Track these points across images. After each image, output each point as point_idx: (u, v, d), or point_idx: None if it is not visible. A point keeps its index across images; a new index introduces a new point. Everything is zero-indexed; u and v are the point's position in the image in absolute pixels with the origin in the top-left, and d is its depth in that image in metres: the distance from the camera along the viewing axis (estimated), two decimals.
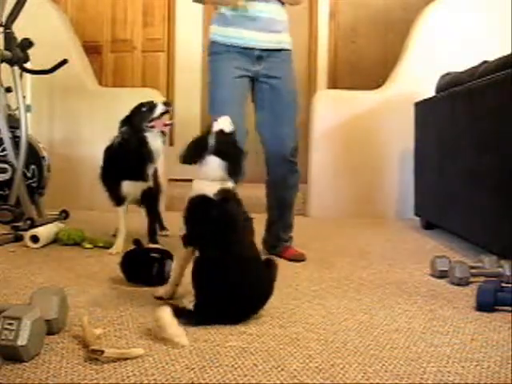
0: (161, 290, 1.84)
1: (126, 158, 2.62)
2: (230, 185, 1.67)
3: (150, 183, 2.70)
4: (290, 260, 2.54)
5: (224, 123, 1.71)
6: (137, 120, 2.62)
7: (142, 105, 2.67)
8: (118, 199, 2.71)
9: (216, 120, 1.73)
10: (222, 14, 2.51)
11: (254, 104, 2.64)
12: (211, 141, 1.67)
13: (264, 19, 2.48)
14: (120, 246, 2.62)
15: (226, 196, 1.63)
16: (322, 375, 1.25)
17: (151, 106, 2.64)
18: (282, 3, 2.54)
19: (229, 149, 1.67)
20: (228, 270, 1.55)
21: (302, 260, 2.55)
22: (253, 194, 2.62)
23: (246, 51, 2.50)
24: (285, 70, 2.58)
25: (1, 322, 1.27)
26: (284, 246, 2.63)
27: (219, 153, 1.65)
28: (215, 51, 2.55)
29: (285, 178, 2.59)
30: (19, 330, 1.25)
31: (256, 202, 2.78)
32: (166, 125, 2.65)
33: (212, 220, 1.61)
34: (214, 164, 1.64)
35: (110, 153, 2.73)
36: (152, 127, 2.62)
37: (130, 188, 2.66)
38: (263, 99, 2.58)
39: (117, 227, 2.74)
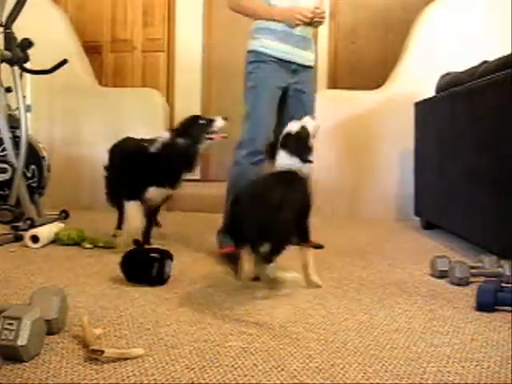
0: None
1: (169, 166, 2.61)
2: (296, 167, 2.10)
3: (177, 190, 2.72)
4: (314, 247, 2.74)
5: (293, 126, 2.18)
6: (195, 132, 2.63)
7: (198, 117, 2.70)
8: (136, 197, 2.65)
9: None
10: (272, 29, 2.74)
11: (279, 110, 2.86)
12: (282, 140, 2.14)
13: (308, 39, 2.83)
14: (125, 242, 2.60)
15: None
16: (322, 375, 1.25)
17: (209, 119, 2.68)
18: None
19: (293, 144, 2.13)
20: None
21: (320, 247, 2.79)
22: None
23: (286, 64, 2.78)
24: (310, 86, 2.95)
25: (1, 321, 1.27)
26: None
27: (286, 147, 2.11)
28: (260, 60, 2.76)
29: None
30: (19, 330, 1.25)
31: None
32: (223, 137, 2.69)
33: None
34: (282, 155, 2.10)
35: (147, 157, 2.65)
36: (210, 139, 2.65)
37: (156, 194, 2.65)
38: (289, 108, 2.84)
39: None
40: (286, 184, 1.97)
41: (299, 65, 2.81)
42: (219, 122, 2.67)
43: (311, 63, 2.89)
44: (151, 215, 2.79)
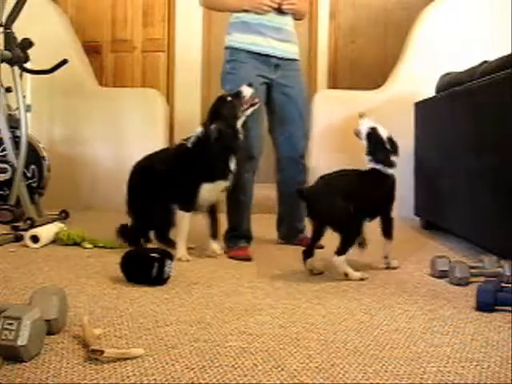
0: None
1: (212, 155, 2.47)
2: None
3: (229, 182, 2.56)
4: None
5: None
6: (230, 111, 2.48)
7: (223, 97, 2.54)
8: (191, 204, 2.52)
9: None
10: (245, 22, 2.67)
11: (268, 108, 2.82)
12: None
13: (285, 31, 2.72)
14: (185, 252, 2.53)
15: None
16: (322, 375, 1.25)
17: (235, 93, 2.53)
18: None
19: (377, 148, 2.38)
20: None
21: (321, 248, 2.64)
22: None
23: (265, 59, 2.69)
24: (297, 80, 2.83)
25: (1, 322, 1.27)
26: (300, 236, 2.87)
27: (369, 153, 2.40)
28: (236, 59, 2.68)
29: (295, 177, 2.85)
30: (19, 330, 1.25)
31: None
32: (254, 103, 2.53)
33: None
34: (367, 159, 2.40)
35: (187, 154, 2.54)
36: (245, 110, 2.51)
37: (208, 191, 2.51)
38: (279, 105, 2.79)
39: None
40: (364, 181, 2.34)
41: (280, 58, 2.72)
42: (246, 91, 2.52)
43: (294, 55, 2.79)
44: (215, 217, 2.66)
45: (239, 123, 2.52)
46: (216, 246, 2.62)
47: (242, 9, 2.67)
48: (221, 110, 2.50)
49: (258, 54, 2.67)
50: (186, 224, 2.54)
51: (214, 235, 2.64)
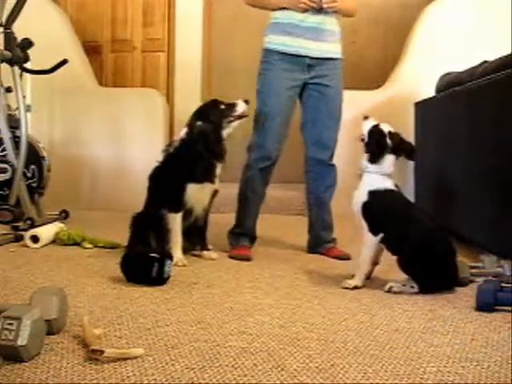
0: (351, 281, 2.06)
1: (198, 156, 2.46)
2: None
3: (217, 186, 2.55)
4: (334, 258, 2.66)
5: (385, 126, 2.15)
6: (216, 117, 2.50)
7: (216, 102, 2.57)
8: (178, 204, 2.48)
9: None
10: (278, 23, 2.63)
11: (302, 106, 2.77)
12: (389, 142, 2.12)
13: (321, 30, 2.63)
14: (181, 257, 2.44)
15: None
16: (322, 375, 1.25)
17: (229, 104, 2.54)
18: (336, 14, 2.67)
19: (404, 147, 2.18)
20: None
21: (348, 259, 2.61)
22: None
23: (297, 59, 2.62)
24: (334, 79, 2.75)
25: (1, 322, 1.27)
26: (326, 247, 2.75)
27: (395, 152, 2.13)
28: (268, 60, 2.66)
29: (323, 178, 2.77)
30: (19, 330, 1.25)
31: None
32: (243, 114, 2.54)
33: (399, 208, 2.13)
34: (390, 161, 2.14)
35: (175, 152, 2.56)
36: (230, 122, 2.52)
37: (196, 192, 2.49)
38: (311, 104, 2.72)
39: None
40: None
41: (314, 58, 2.63)
42: (240, 107, 2.52)
43: (332, 55, 2.70)
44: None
45: (225, 132, 2.53)
46: (209, 253, 2.59)
47: (281, 6, 2.59)
48: (209, 113, 2.52)
49: (289, 54, 2.61)
50: (178, 225, 2.48)
51: (204, 247, 2.62)
